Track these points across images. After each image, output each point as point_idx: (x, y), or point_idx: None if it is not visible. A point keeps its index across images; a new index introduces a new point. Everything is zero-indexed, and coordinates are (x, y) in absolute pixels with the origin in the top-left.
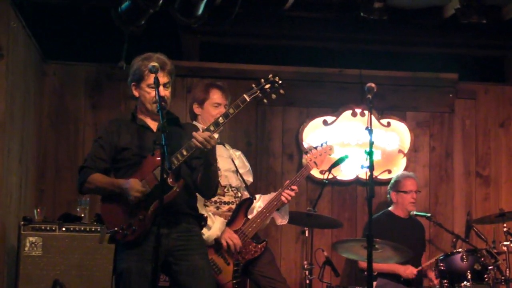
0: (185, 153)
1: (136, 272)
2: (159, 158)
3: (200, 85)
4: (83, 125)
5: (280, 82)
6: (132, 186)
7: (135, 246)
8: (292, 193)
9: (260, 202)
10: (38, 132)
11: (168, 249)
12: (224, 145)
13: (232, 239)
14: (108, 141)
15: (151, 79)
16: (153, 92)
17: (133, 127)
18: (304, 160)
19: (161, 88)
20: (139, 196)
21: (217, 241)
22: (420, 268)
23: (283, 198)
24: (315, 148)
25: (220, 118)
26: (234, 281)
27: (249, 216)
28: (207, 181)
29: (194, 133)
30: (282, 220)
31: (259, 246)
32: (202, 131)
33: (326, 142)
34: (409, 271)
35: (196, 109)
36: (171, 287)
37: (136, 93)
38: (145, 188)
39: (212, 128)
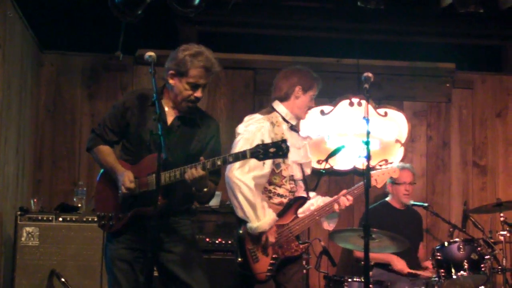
0: (177, 176)
1: (120, 260)
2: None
3: (306, 72)
4: (80, 115)
5: (285, 150)
6: (124, 180)
7: (119, 234)
8: (347, 203)
9: (313, 200)
10: (35, 122)
11: (154, 240)
12: (298, 132)
13: (270, 236)
14: (122, 115)
15: (195, 78)
16: (190, 92)
17: (148, 112)
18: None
19: (199, 89)
20: (127, 193)
21: (263, 233)
22: (413, 272)
23: (335, 206)
24: (381, 167)
25: (219, 161)
26: (268, 274)
27: (299, 214)
28: (197, 197)
29: (190, 169)
30: (329, 226)
31: (301, 246)
32: (197, 167)
33: (393, 165)
34: (401, 266)
35: (298, 93)
36: (160, 277)
37: (171, 81)
38: (136, 187)
39: (208, 165)
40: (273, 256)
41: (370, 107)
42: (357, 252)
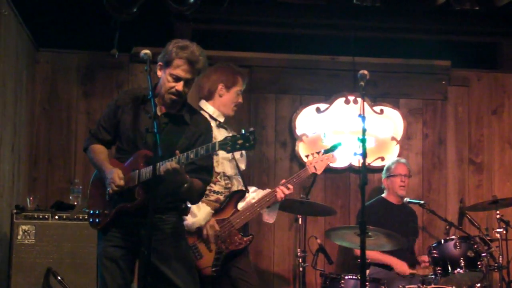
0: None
1: (106, 257)
2: (143, 154)
3: (227, 68)
4: (75, 113)
5: (252, 142)
6: (113, 177)
7: (106, 231)
8: (287, 191)
9: (254, 194)
10: (31, 120)
11: (140, 238)
12: (226, 129)
13: (209, 228)
14: (114, 113)
15: (177, 70)
16: (172, 84)
17: (139, 109)
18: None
19: (181, 83)
20: (117, 191)
21: (200, 228)
22: (414, 271)
23: (277, 195)
24: (318, 153)
25: (192, 154)
26: (214, 269)
27: (239, 208)
28: (182, 194)
29: (166, 163)
30: (269, 218)
31: (245, 239)
32: (172, 160)
33: (326, 151)
34: (403, 268)
35: (221, 91)
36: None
37: (159, 73)
38: (123, 184)
39: (183, 160)
40: (217, 251)
41: (365, 104)
42: (357, 250)
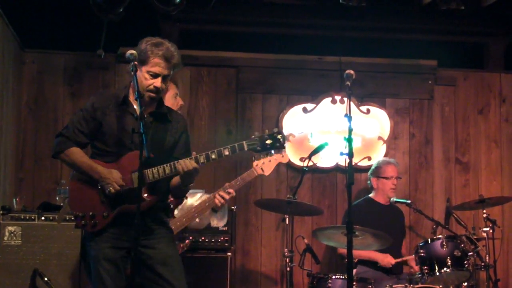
0: (167, 171)
1: (105, 259)
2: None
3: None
4: (62, 114)
5: (282, 141)
6: (115, 178)
7: (102, 233)
8: (227, 196)
9: (193, 200)
10: (17, 120)
11: (131, 236)
12: None
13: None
14: (92, 116)
15: (154, 67)
16: (150, 81)
17: (121, 110)
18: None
19: (159, 79)
20: (119, 190)
21: None
22: (399, 260)
23: (216, 201)
24: (267, 154)
25: (213, 154)
26: None
27: (175, 214)
28: (179, 192)
29: (181, 161)
30: (218, 222)
31: (181, 246)
32: (190, 160)
33: (279, 150)
34: (387, 260)
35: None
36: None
37: (134, 73)
38: (124, 184)
39: (202, 160)
40: None
41: (352, 104)
42: (341, 249)
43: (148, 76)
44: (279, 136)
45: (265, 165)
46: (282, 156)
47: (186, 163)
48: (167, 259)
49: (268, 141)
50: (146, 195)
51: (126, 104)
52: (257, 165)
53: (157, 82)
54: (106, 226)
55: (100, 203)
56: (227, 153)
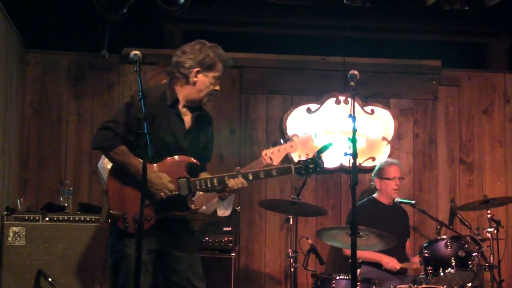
0: (215, 184)
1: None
2: (187, 162)
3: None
4: (66, 114)
5: (322, 166)
6: (165, 183)
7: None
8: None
9: None
10: (21, 121)
11: (165, 240)
12: None
13: None
14: (139, 113)
15: (219, 72)
16: (214, 86)
17: (171, 113)
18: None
19: (218, 81)
20: (169, 196)
21: None
22: (404, 265)
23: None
24: (276, 143)
25: (262, 173)
26: None
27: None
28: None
29: (231, 180)
30: (224, 211)
31: None
32: (238, 175)
33: (289, 139)
34: (392, 264)
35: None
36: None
37: (195, 79)
38: (174, 189)
39: (250, 177)
40: None
41: (356, 105)
42: (346, 250)
43: (214, 81)
44: (319, 161)
45: (274, 154)
46: (291, 147)
47: (237, 181)
48: (193, 261)
49: (311, 165)
50: (193, 205)
51: (175, 107)
52: (266, 154)
53: (218, 85)
54: (149, 229)
55: (144, 205)
56: (274, 173)
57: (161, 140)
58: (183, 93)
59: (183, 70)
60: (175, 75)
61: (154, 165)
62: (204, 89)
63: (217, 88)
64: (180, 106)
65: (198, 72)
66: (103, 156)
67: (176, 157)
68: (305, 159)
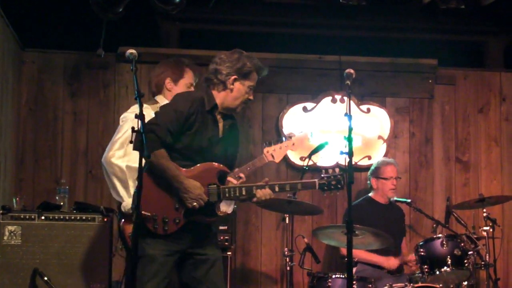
0: (243, 193)
1: (160, 262)
2: (219, 169)
3: (173, 61)
4: (62, 113)
5: (343, 183)
6: (200, 194)
7: (164, 236)
8: (236, 182)
9: None
10: (17, 120)
11: (189, 241)
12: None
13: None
14: (186, 119)
15: (254, 81)
16: (250, 95)
17: (208, 118)
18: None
19: (252, 91)
20: (202, 205)
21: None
22: (402, 261)
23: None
24: (277, 141)
25: (288, 186)
26: None
27: None
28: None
29: (259, 191)
30: (226, 209)
31: None
32: (266, 186)
33: (290, 137)
34: (391, 262)
35: (169, 85)
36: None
37: (232, 86)
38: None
39: (276, 189)
40: None
41: (352, 103)
42: (343, 249)
43: (248, 90)
44: (340, 178)
45: (276, 152)
46: (293, 144)
47: (264, 192)
48: (216, 262)
49: (333, 182)
50: (220, 211)
51: (212, 113)
52: (267, 152)
53: (252, 95)
54: (176, 231)
55: (174, 209)
56: (299, 187)
57: (197, 144)
58: (219, 99)
59: (220, 77)
60: (212, 81)
61: (183, 169)
62: (240, 97)
63: (251, 97)
64: (218, 116)
65: (235, 80)
66: (106, 151)
67: (209, 163)
68: (329, 175)
